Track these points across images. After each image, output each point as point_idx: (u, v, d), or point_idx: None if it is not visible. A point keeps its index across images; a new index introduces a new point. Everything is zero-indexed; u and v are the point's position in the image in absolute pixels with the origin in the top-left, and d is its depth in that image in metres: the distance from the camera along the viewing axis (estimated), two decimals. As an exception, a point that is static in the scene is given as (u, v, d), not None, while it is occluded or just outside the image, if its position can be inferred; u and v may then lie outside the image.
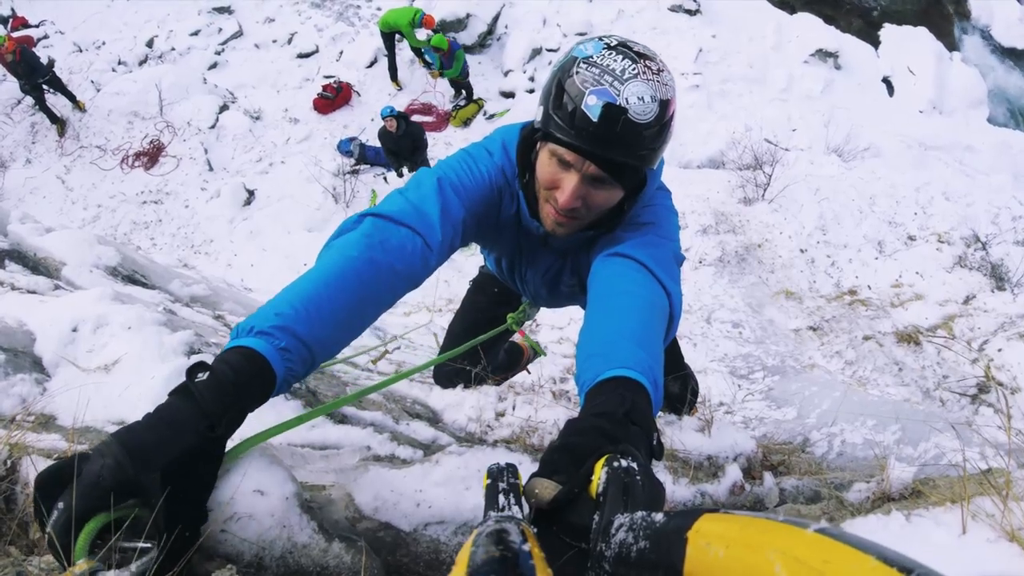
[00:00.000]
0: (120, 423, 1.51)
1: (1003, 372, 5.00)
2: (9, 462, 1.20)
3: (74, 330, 1.76)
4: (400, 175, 9.27)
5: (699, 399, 3.31)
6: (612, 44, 1.10)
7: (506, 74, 11.31)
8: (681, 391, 2.18)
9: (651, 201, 1.37)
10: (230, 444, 0.98)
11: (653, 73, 1.08)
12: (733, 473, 1.55)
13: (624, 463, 0.67)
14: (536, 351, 2.63)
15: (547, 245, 1.48)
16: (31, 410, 1.49)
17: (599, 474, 0.67)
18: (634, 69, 1.06)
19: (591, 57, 1.08)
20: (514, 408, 1.96)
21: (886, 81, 12.02)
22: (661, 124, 1.10)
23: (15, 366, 1.66)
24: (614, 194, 1.20)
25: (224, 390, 0.88)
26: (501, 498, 0.66)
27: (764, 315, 6.52)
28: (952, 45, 12.79)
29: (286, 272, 8.59)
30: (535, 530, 0.64)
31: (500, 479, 0.69)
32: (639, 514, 0.56)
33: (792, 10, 12.57)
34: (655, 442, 0.85)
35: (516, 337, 2.99)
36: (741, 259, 7.24)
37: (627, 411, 0.83)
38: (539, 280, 1.63)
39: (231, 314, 3.44)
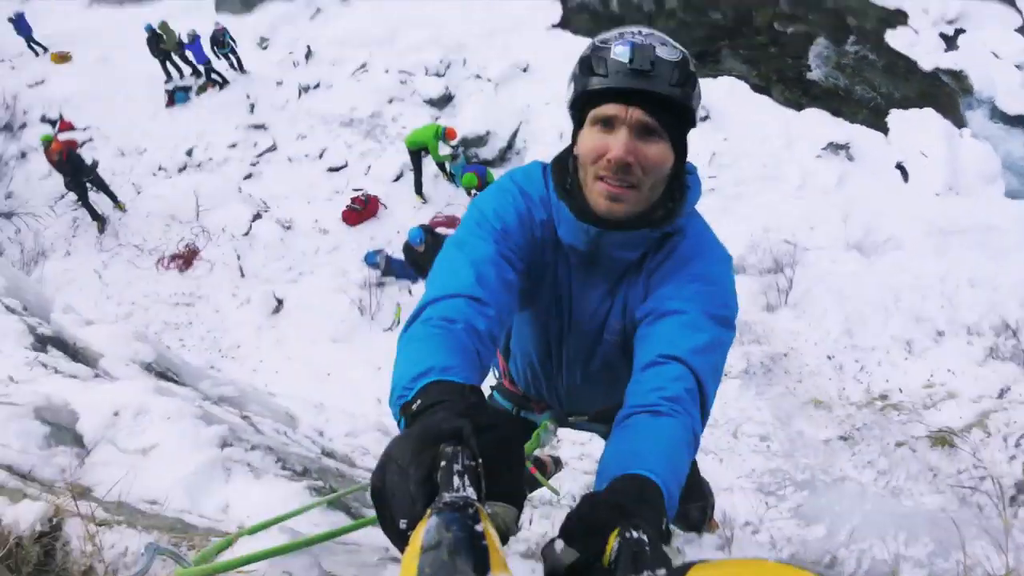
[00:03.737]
0: (153, 502, 1.63)
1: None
2: (55, 519, 1.28)
3: (116, 414, 1.94)
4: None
5: (722, 517, 3.29)
6: (616, 32, 1.18)
7: (526, 186, 11.68)
8: (700, 514, 2.23)
9: (696, 230, 1.34)
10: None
11: (662, 38, 1.16)
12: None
13: (636, 534, 0.71)
14: (542, 484, 2.52)
15: (595, 263, 1.34)
16: (69, 480, 1.59)
17: (612, 544, 0.71)
18: (646, 32, 1.15)
19: (604, 38, 1.17)
20: (531, 522, 1.95)
21: (900, 167, 12.01)
22: (688, 71, 1.14)
23: (57, 439, 1.81)
24: (665, 152, 1.18)
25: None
26: (456, 479, 0.64)
27: (793, 427, 6.36)
28: (960, 121, 12.70)
29: (309, 380, 8.66)
30: (489, 511, 0.66)
31: (455, 461, 0.67)
32: (645, 574, 0.61)
33: (799, 107, 12.85)
34: (664, 527, 0.88)
35: (537, 452, 2.86)
36: (767, 370, 7.15)
37: (641, 495, 0.88)
38: (583, 327, 1.46)
39: (256, 415, 3.56)
